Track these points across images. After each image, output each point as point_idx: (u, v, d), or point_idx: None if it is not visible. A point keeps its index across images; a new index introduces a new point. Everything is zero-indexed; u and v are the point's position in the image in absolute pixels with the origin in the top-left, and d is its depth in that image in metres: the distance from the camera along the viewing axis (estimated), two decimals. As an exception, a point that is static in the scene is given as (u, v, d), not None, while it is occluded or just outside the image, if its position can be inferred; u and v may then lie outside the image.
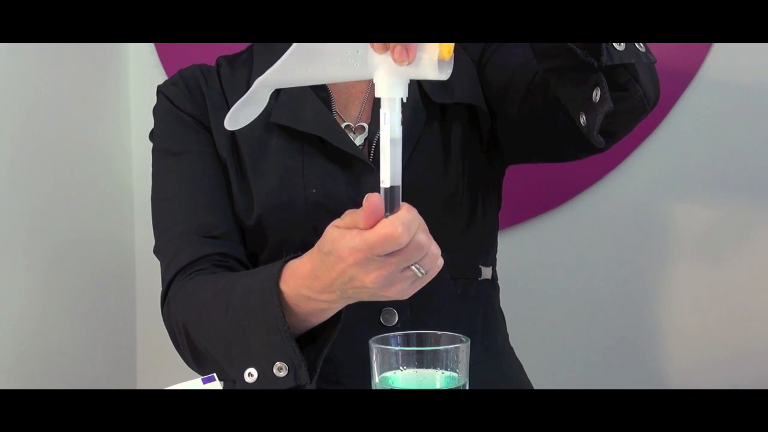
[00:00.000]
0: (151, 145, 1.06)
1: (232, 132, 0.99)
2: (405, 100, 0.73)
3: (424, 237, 0.73)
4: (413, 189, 0.78)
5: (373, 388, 0.76)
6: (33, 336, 1.33)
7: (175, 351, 0.96)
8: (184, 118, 1.03)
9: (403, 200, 0.73)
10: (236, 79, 1.04)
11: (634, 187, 1.40)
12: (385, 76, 0.72)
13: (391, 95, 0.72)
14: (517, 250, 1.42)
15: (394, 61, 0.71)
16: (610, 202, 1.41)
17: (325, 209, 0.95)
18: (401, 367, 0.75)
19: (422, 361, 0.75)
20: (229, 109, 0.81)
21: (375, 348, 0.76)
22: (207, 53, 1.15)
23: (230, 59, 1.08)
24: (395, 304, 0.96)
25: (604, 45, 0.76)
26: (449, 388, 0.74)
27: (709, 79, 1.36)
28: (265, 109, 0.82)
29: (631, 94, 0.82)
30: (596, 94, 0.78)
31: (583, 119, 0.81)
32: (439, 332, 0.78)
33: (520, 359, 1.10)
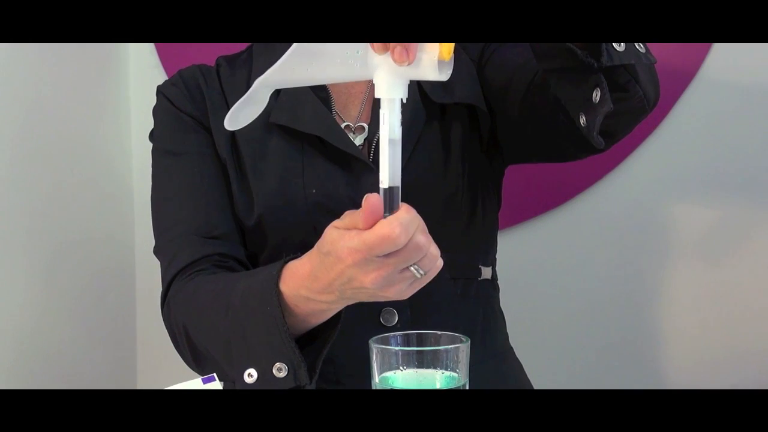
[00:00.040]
0: (151, 145, 1.06)
1: (232, 132, 0.99)
2: (405, 101, 0.73)
3: (423, 238, 0.72)
4: (413, 189, 0.78)
5: (373, 388, 0.76)
6: (33, 336, 1.33)
7: (175, 351, 0.96)
8: (184, 118, 1.02)
9: (403, 200, 0.72)
10: (236, 79, 1.04)
11: (634, 187, 1.40)
12: (385, 77, 0.72)
13: (391, 96, 0.72)
14: (517, 250, 1.42)
15: (394, 61, 0.71)
16: (610, 202, 1.41)
17: (325, 209, 0.95)
18: (401, 367, 0.75)
19: (422, 361, 0.75)
20: (228, 109, 0.81)
21: (375, 348, 0.76)
22: (207, 53, 1.15)
23: (230, 59, 1.08)
24: (395, 304, 0.95)
25: (604, 45, 0.75)
26: (449, 388, 0.74)
27: (709, 79, 1.36)
28: (265, 109, 0.82)
29: (631, 94, 0.82)
30: (596, 95, 0.78)
31: (582, 120, 0.81)
32: (439, 332, 0.78)
33: (520, 359, 1.10)
